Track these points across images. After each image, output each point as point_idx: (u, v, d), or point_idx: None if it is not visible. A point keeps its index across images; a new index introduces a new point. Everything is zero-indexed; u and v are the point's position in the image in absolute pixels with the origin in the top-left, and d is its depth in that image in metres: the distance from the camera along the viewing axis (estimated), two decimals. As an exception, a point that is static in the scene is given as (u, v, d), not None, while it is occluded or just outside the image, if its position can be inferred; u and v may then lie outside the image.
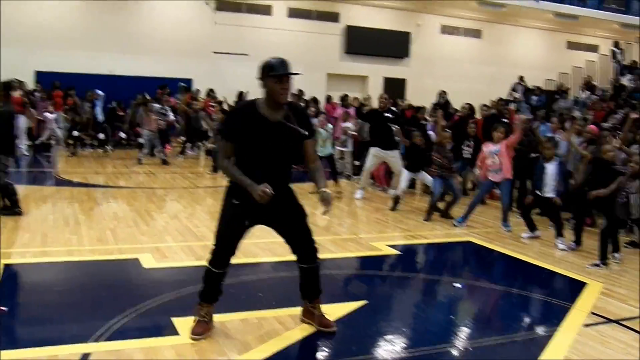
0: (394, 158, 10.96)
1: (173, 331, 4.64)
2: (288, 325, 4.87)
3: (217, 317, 4.83)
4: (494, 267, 7.70)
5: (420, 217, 9.70)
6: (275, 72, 4.24)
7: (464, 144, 11.40)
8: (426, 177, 10.24)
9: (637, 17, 25.19)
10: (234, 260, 6.66)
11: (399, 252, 7.68)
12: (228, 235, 4.53)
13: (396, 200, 10.38)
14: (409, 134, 10.52)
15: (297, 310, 4.97)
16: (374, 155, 11.06)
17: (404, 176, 10.43)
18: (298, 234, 4.63)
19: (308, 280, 4.78)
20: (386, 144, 10.84)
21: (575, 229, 8.18)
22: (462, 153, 11.36)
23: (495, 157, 8.87)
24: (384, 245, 7.81)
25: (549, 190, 8.24)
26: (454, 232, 8.96)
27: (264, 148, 4.31)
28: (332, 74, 23.94)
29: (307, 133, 4.44)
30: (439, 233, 8.89)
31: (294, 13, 23.95)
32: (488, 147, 9.03)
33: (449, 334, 5.04)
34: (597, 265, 7.27)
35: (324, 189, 4.47)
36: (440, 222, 9.54)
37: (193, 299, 4.93)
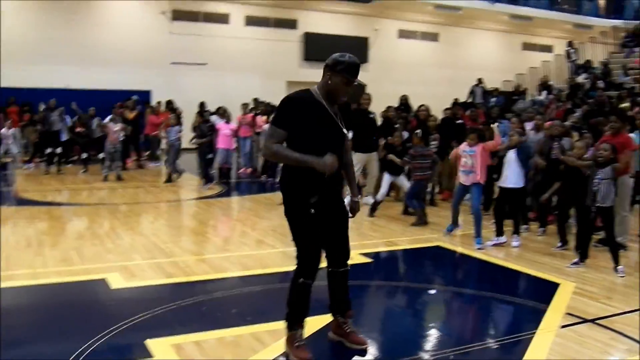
0: (375, 160, 10.92)
1: (147, 354, 4.50)
2: (266, 341, 4.77)
3: (191, 337, 4.72)
4: (465, 271, 7.71)
5: (391, 224, 9.70)
6: (348, 75, 4.21)
7: (430, 139, 11.42)
8: (404, 182, 10.30)
9: (589, 17, 25.67)
10: (203, 277, 6.59)
11: (371, 260, 7.63)
12: (314, 244, 4.33)
13: (375, 205, 10.41)
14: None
15: (274, 325, 4.87)
16: (359, 161, 10.80)
17: (385, 180, 10.48)
18: (341, 235, 4.53)
19: (339, 288, 4.64)
20: (369, 146, 10.79)
21: (559, 229, 8.29)
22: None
23: (469, 158, 8.53)
24: (356, 254, 7.72)
25: (508, 180, 8.29)
26: (422, 237, 8.94)
27: (323, 136, 4.23)
28: (292, 81, 23.88)
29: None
30: (408, 239, 8.86)
31: (252, 21, 23.86)
32: (463, 147, 8.74)
33: (428, 342, 5.01)
34: (576, 264, 7.35)
35: (355, 198, 4.67)
36: (410, 228, 9.53)
37: (167, 319, 4.80)
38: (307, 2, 23.76)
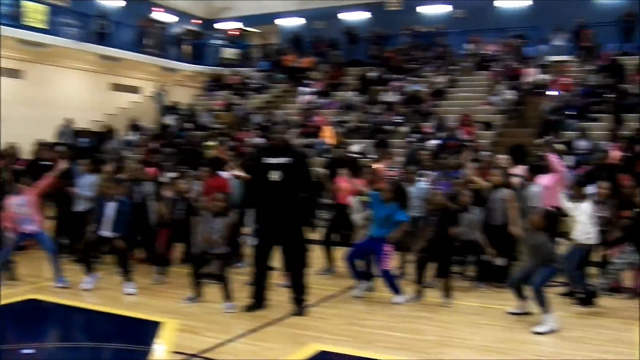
0: None
1: None
2: None
3: None
4: (64, 323, 7.14)
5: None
6: None
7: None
8: None
9: (175, 62, 26.92)
10: None
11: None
12: None
13: None
14: None
15: None
16: None
17: None
18: None
19: None
20: None
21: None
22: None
23: (24, 208, 8.16)
24: None
25: (108, 228, 8.04)
26: (12, 292, 8.02)
27: None
28: None
29: None
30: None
31: None
32: (11, 200, 8.27)
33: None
34: (191, 299, 7.42)
35: None
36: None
37: None
38: None
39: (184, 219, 8.42)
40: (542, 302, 6.57)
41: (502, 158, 9.65)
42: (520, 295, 7.04)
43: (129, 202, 8.36)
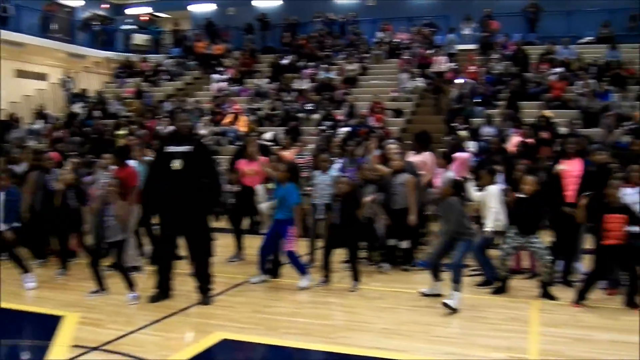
0: None
1: None
2: None
3: None
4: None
5: None
6: None
7: None
8: None
9: (83, 47, 26.08)
10: None
11: None
12: None
13: None
14: None
15: None
16: None
17: None
18: None
19: None
20: None
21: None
22: None
23: None
24: None
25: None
26: None
27: None
28: None
29: None
30: None
31: None
32: None
33: None
34: (95, 292, 7.21)
35: None
36: None
37: None
38: None
39: (76, 209, 8.22)
40: (457, 279, 6.71)
41: (394, 145, 9.70)
42: (436, 277, 7.21)
43: (18, 192, 8.06)
